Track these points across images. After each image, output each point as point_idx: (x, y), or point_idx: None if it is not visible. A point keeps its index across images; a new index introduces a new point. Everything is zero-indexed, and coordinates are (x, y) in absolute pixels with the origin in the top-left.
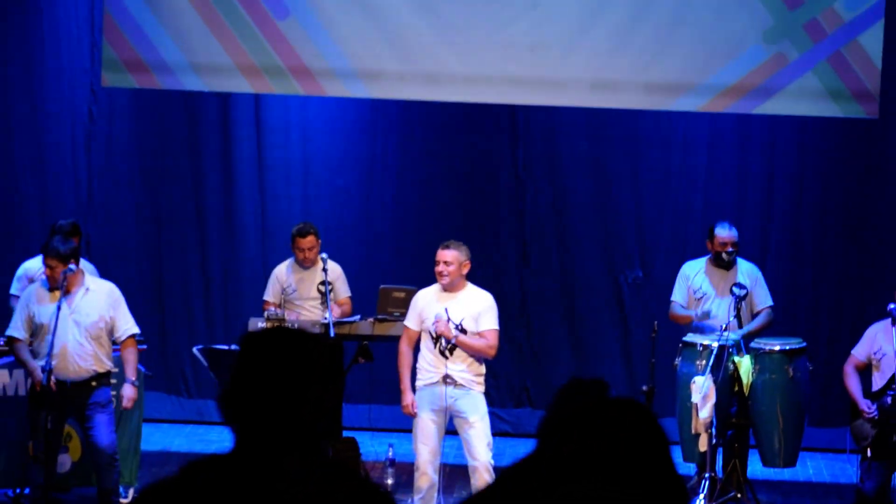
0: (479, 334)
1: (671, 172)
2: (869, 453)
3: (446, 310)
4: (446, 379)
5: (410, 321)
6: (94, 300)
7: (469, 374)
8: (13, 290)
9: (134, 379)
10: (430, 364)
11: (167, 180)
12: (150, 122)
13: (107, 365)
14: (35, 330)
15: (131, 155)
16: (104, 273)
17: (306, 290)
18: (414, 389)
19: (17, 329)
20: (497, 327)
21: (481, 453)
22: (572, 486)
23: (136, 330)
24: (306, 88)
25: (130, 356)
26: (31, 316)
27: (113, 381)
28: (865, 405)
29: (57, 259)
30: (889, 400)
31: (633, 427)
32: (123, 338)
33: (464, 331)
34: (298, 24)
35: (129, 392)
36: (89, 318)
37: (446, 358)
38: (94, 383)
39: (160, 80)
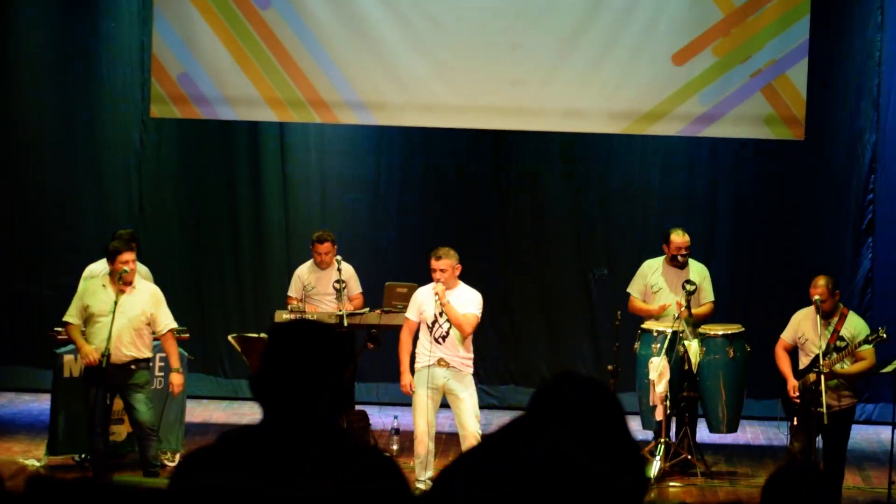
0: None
1: (631, 186)
2: (795, 421)
3: (437, 294)
4: (440, 361)
5: (410, 314)
6: (138, 298)
7: (459, 358)
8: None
9: (178, 367)
10: (426, 349)
11: (206, 195)
12: (192, 146)
13: (145, 353)
14: (87, 319)
15: (176, 175)
16: (154, 274)
17: (323, 287)
18: (413, 371)
19: (72, 316)
20: (477, 314)
21: (470, 424)
22: (541, 446)
23: (174, 325)
24: (322, 117)
25: (171, 348)
26: (86, 306)
27: (160, 363)
28: (792, 387)
29: (134, 255)
30: (812, 377)
31: (594, 400)
32: (164, 331)
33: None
34: (315, 63)
35: (175, 380)
36: (133, 311)
37: (440, 344)
38: (133, 367)
39: (199, 111)
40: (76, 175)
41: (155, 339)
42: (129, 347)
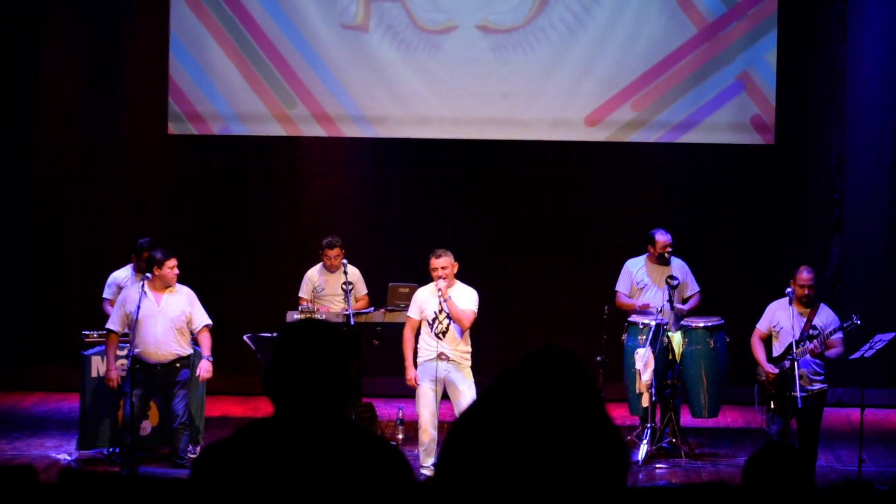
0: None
1: (615, 189)
2: (772, 405)
3: (439, 290)
4: (441, 356)
5: (412, 312)
6: (178, 299)
7: (458, 352)
8: (105, 294)
9: (209, 355)
10: (427, 345)
11: (221, 206)
12: (207, 160)
13: (187, 350)
14: (130, 324)
15: (193, 187)
16: None
17: (331, 289)
18: (416, 365)
19: (114, 324)
20: (475, 309)
21: None
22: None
23: (208, 321)
24: (328, 130)
25: (206, 340)
26: (127, 313)
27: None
28: (769, 368)
29: (175, 259)
30: (787, 364)
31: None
32: (199, 327)
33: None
34: (320, 81)
35: (205, 365)
36: (174, 312)
37: (440, 339)
38: (178, 364)
39: (214, 128)
40: (101, 188)
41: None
42: (175, 346)
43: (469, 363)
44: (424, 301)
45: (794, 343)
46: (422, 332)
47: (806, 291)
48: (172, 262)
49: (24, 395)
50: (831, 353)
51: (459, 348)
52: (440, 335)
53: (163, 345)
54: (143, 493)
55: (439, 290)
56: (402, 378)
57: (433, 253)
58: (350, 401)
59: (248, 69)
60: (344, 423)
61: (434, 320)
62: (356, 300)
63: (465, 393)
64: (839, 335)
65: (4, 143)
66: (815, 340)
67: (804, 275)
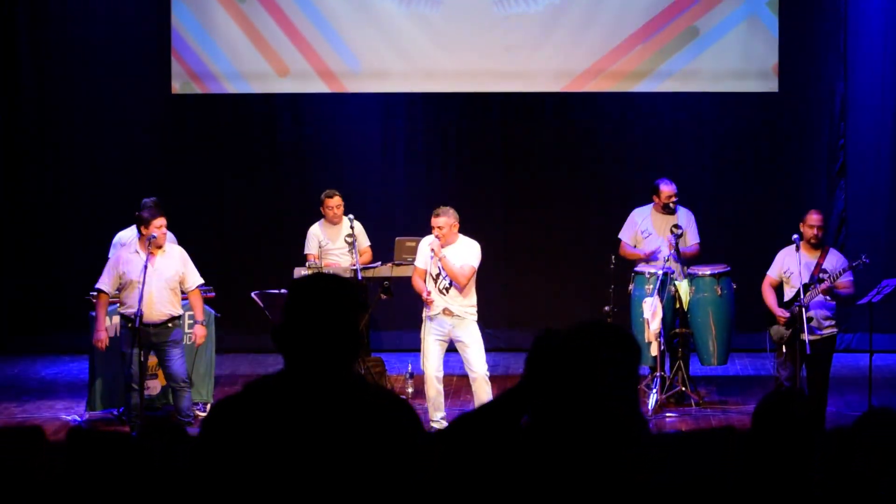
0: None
1: (620, 140)
2: (784, 349)
3: (432, 250)
4: (445, 311)
5: (419, 262)
6: (169, 260)
7: (464, 307)
8: (111, 255)
9: (202, 320)
10: (433, 300)
11: (226, 164)
12: (211, 118)
13: (179, 310)
14: (123, 285)
15: (197, 146)
16: (179, 238)
17: (335, 243)
18: (421, 320)
19: (105, 284)
20: (473, 265)
21: (478, 367)
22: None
23: (200, 281)
24: (331, 87)
25: (198, 302)
26: (120, 274)
27: (189, 321)
28: (780, 312)
29: (164, 218)
30: (796, 308)
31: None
32: (192, 288)
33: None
34: (322, 37)
35: (199, 330)
36: (167, 272)
37: (444, 295)
38: (170, 324)
39: (217, 86)
40: (106, 149)
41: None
42: (167, 306)
43: (475, 317)
44: (427, 254)
45: (803, 287)
46: (427, 286)
47: (815, 232)
48: (159, 221)
49: (34, 359)
50: (842, 291)
51: (464, 303)
52: (444, 291)
53: (155, 305)
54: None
55: (432, 250)
56: (413, 331)
57: (434, 212)
58: (359, 355)
59: (251, 27)
60: (353, 378)
61: (438, 276)
62: (360, 253)
63: (472, 347)
64: (849, 276)
65: (4, 104)
66: (825, 283)
67: (813, 216)
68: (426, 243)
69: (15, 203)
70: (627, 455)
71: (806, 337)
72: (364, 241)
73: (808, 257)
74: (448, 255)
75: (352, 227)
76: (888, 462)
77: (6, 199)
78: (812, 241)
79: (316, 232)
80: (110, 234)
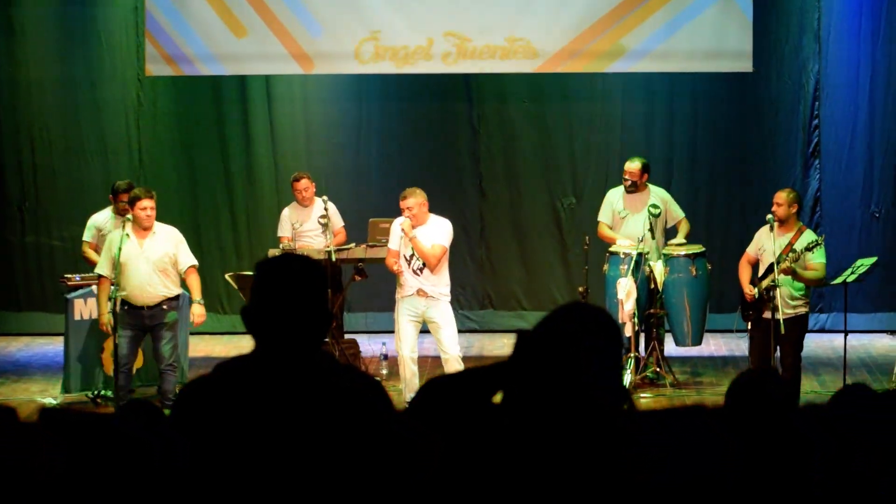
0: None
1: (594, 121)
2: (749, 326)
3: (403, 230)
4: (419, 292)
5: (392, 244)
6: (159, 241)
7: (437, 288)
8: (85, 237)
9: (199, 299)
10: (406, 281)
11: (200, 146)
12: (185, 101)
13: (174, 291)
14: (116, 267)
15: (171, 128)
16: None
17: (308, 223)
18: (395, 302)
19: (103, 268)
20: (444, 244)
21: (451, 348)
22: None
23: (194, 262)
24: (305, 68)
25: (194, 282)
26: (113, 257)
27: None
28: (747, 289)
29: (151, 200)
30: (763, 285)
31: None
32: (185, 268)
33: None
34: (296, 19)
35: (197, 309)
36: (156, 254)
37: (418, 276)
38: (164, 307)
39: (191, 69)
40: (80, 132)
41: None
42: (159, 287)
43: (448, 298)
44: (400, 237)
45: (771, 266)
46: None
47: (773, 209)
48: (144, 202)
49: (8, 341)
50: (809, 274)
51: (437, 283)
52: (417, 272)
53: (147, 287)
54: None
55: (403, 230)
56: (386, 313)
57: (402, 194)
58: (332, 336)
59: (224, 8)
60: (325, 358)
61: (412, 257)
62: (333, 234)
63: (446, 328)
64: (822, 260)
65: None
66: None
67: (776, 195)
68: (398, 224)
69: None
70: (625, 454)
71: (770, 315)
72: (338, 221)
73: (781, 237)
74: (419, 235)
75: (325, 209)
76: (888, 462)
77: None
78: (774, 218)
79: (287, 214)
80: (84, 216)
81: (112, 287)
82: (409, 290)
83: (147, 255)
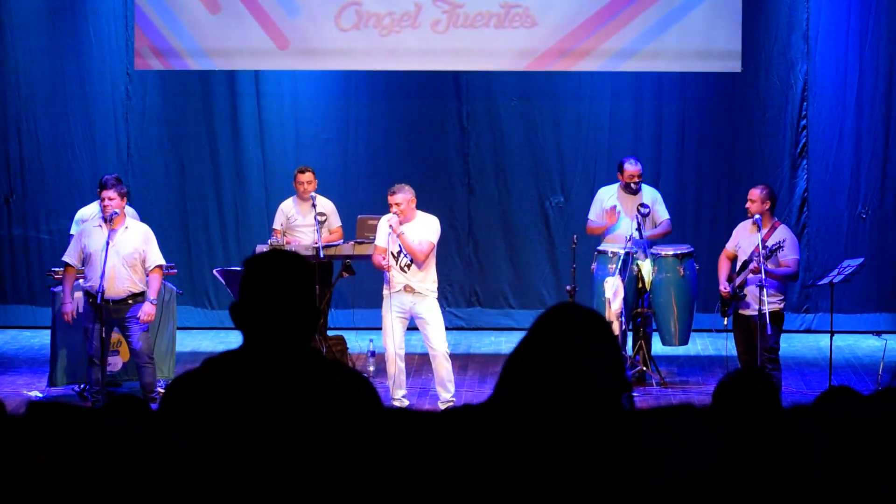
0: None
1: (582, 119)
2: (726, 322)
3: (391, 227)
4: (406, 288)
5: (379, 240)
6: (130, 236)
7: (424, 284)
8: (72, 231)
9: (153, 298)
10: (394, 278)
11: (189, 141)
12: (174, 95)
13: (140, 287)
14: (86, 259)
15: (160, 122)
16: (142, 215)
17: (304, 220)
18: (381, 297)
19: (70, 257)
20: (432, 241)
21: (438, 345)
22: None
23: (161, 261)
24: (294, 64)
25: (154, 282)
26: (83, 248)
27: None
28: (723, 286)
29: (117, 194)
30: (737, 282)
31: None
32: (151, 267)
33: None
34: (285, 14)
35: (147, 308)
36: (126, 249)
37: (405, 272)
38: (130, 301)
39: (180, 63)
40: (68, 125)
41: None
42: (125, 283)
43: (435, 294)
44: (386, 233)
45: (746, 262)
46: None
47: (747, 205)
48: (105, 192)
49: None
50: (779, 271)
51: (425, 280)
52: (404, 268)
53: (114, 280)
54: (111, 427)
55: (391, 226)
56: (374, 309)
57: (390, 189)
58: (319, 332)
59: (213, 2)
60: (312, 354)
61: (399, 254)
62: (330, 232)
63: (433, 324)
64: (795, 256)
65: None
66: (752, 262)
67: (751, 190)
68: (386, 221)
69: None
70: (625, 454)
71: (743, 311)
72: (335, 220)
73: (755, 233)
74: (406, 231)
75: (313, 206)
76: (888, 462)
77: None
78: (749, 215)
79: (285, 207)
80: (72, 209)
81: (81, 280)
82: (396, 286)
83: (117, 249)
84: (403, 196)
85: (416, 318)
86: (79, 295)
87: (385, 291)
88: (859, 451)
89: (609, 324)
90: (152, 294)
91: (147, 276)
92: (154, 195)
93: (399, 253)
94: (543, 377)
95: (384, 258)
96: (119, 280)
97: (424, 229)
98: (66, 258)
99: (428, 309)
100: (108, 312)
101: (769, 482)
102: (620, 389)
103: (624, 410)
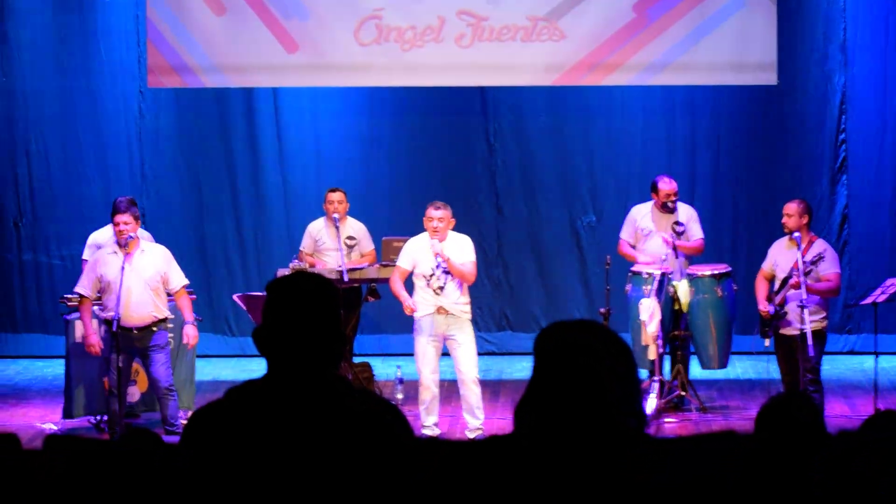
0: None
1: (613, 135)
2: (767, 344)
3: (437, 253)
4: (440, 310)
5: (403, 262)
6: (149, 259)
7: (458, 305)
8: (85, 256)
9: (192, 320)
10: (425, 300)
11: (205, 161)
12: (189, 114)
13: (164, 312)
14: (103, 287)
15: (175, 142)
16: (157, 238)
17: (333, 242)
18: (414, 320)
19: (84, 288)
20: (474, 259)
21: (469, 371)
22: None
23: (185, 281)
24: (313, 80)
25: (185, 302)
26: (98, 277)
27: (170, 325)
28: (762, 305)
29: (131, 217)
30: (777, 300)
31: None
32: (177, 288)
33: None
34: (304, 28)
35: (191, 331)
36: (147, 272)
37: (439, 294)
38: (154, 328)
39: (194, 80)
40: (79, 146)
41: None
42: (148, 308)
43: (469, 316)
44: (418, 254)
45: (785, 280)
46: (417, 285)
47: (784, 220)
48: (119, 217)
49: (6, 364)
50: (820, 286)
51: (459, 301)
52: (438, 290)
53: (137, 307)
54: (131, 461)
55: (437, 253)
56: (402, 334)
57: (432, 204)
58: (344, 358)
59: (229, 18)
60: (338, 381)
61: (431, 276)
62: (361, 255)
63: (466, 347)
64: (836, 270)
65: None
66: (793, 278)
67: (786, 205)
68: (415, 242)
69: None
70: (629, 456)
71: (784, 331)
72: (368, 244)
73: (793, 249)
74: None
75: (336, 227)
76: (888, 462)
77: None
78: (784, 231)
79: (313, 229)
80: (85, 233)
81: (96, 307)
82: (428, 308)
83: (137, 274)
84: (446, 213)
85: (447, 340)
86: (94, 324)
87: (416, 315)
88: (861, 452)
89: (631, 351)
90: (189, 316)
91: (174, 298)
92: (170, 218)
93: (431, 275)
94: (569, 391)
95: (398, 283)
96: (142, 305)
97: (460, 249)
98: (79, 289)
99: (462, 331)
100: (130, 341)
101: (769, 482)
102: (643, 415)
103: (651, 439)
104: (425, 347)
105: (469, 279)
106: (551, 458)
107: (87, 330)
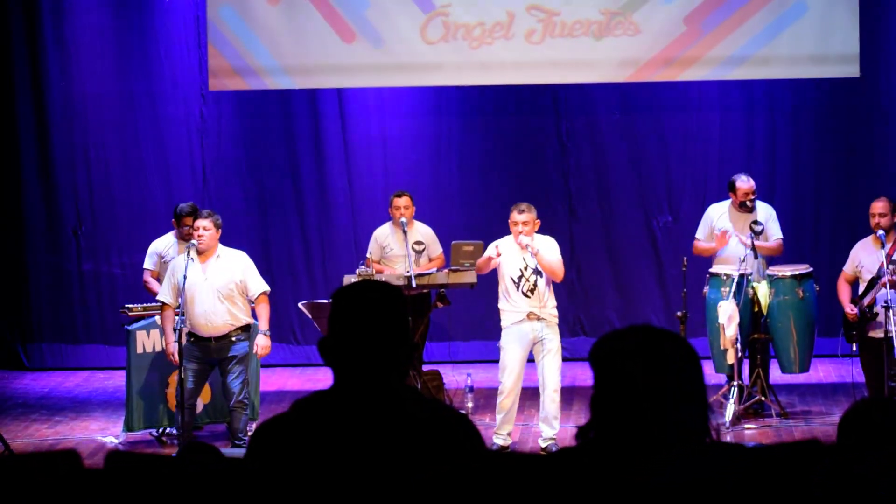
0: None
1: (689, 133)
2: (854, 348)
3: (525, 246)
4: (530, 315)
5: (489, 251)
6: (224, 265)
7: (547, 308)
8: (146, 265)
9: (266, 329)
10: (513, 305)
11: (268, 165)
12: (251, 117)
13: (242, 320)
14: (180, 294)
15: (237, 146)
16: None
17: (400, 248)
18: (501, 328)
19: (165, 295)
20: (560, 258)
21: (553, 377)
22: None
23: (266, 287)
24: (380, 80)
25: (263, 310)
26: (176, 283)
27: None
28: (848, 308)
29: (213, 224)
30: (866, 302)
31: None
32: (256, 294)
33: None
34: (369, 28)
35: (262, 341)
36: (219, 281)
37: (528, 298)
38: (233, 338)
39: (257, 82)
40: (139, 152)
41: None
42: (224, 316)
43: (557, 320)
44: (504, 256)
45: (873, 280)
46: (505, 292)
47: (876, 220)
48: (200, 222)
49: (66, 375)
50: None
51: (548, 304)
52: (528, 293)
53: (212, 316)
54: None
55: (525, 246)
56: (471, 342)
57: (516, 206)
58: (413, 366)
59: (293, 17)
60: (407, 391)
61: (520, 278)
62: (430, 260)
63: (555, 354)
64: None
65: (32, 106)
66: (883, 277)
67: (874, 204)
68: (503, 242)
69: (44, 207)
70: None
71: (873, 333)
72: (436, 248)
73: (878, 249)
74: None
75: (404, 232)
76: (888, 462)
77: (36, 203)
78: (875, 230)
79: (379, 235)
80: (145, 240)
81: (176, 318)
82: (518, 315)
83: (211, 282)
84: (532, 216)
85: (537, 347)
86: (155, 333)
87: (504, 322)
88: (859, 451)
89: (697, 356)
90: (264, 325)
91: (252, 305)
92: (232, 224)
93: (520, 278)
94: (623, 405)
95: (491, 252)
96: (217, 315)
97: (548, 247)
98: (161, 297)
99: (551, 336)
100: (209, 351)
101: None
102: (707, 429)
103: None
104: (514, 355)
105: (558, 274)
106: (612, 470)
107: (168, 338)
